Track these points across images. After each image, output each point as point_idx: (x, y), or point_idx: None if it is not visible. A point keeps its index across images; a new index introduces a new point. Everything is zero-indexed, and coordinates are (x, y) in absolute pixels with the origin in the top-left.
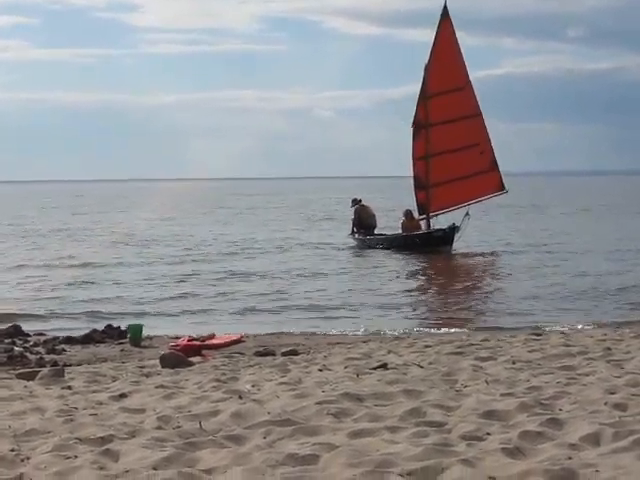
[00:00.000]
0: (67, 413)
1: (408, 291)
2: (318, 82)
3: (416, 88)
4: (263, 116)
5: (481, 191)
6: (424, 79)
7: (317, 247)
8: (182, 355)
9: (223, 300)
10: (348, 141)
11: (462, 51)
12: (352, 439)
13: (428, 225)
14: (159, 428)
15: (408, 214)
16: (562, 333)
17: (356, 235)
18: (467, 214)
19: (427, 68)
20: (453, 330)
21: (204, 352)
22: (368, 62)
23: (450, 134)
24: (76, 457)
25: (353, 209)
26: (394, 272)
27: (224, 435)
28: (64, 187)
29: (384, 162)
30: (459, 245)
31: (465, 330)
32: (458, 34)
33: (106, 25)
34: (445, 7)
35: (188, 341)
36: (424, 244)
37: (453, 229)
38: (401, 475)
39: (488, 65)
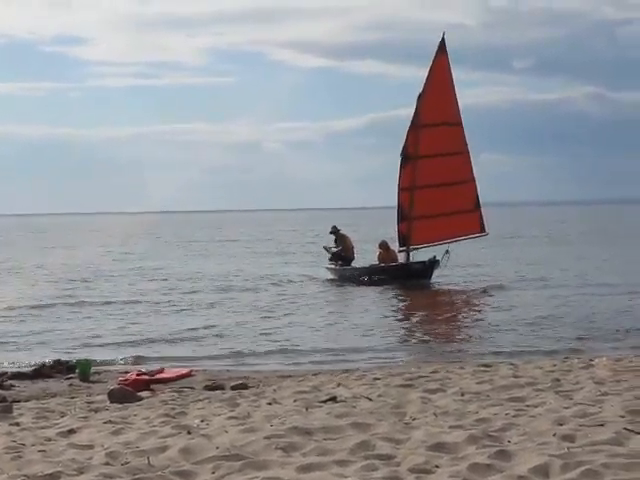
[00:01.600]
0: (15, 450)
1: (378, 323)
2: (267, 114)
3: (361, 121)
4: (213, 149)
5: (462, 230)
6: (417, 108)
7: (297, 280)
8: (131, 390)
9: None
10: (298, 173)
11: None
12: (301, 473)
13: (407, 257)
14: (107, 464)
15: (384, 245)
16: (511, 364)
17: (334, 265)
18: (447, 252)
19: (420, 98)
20: (401, 362)
21: (153, 387)
22: (316, 94)
23: (438, 168)
24: None
25: (333, 237)
26: (366, 304)
27: (172, 471)
28: (11, 221)
29: (334, 194)
30: (437, 279)
31: (414, 362)
32: (404, 67)
33: (53, 59)
34: (443, 40)
35: (137, 375)
36: (403, 276)
37: (433, 263)
38: None
39: None
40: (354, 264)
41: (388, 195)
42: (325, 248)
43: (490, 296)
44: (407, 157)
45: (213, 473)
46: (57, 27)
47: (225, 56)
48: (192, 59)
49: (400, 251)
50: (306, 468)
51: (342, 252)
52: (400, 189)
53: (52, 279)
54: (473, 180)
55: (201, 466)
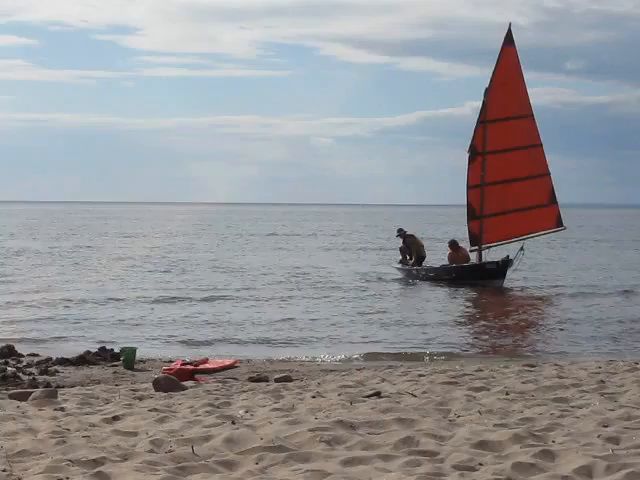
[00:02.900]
0: (59, 435)
1: (446, 322)
2: (317, 109)
3: (411, 118)
4: (261, 142)
5: (538, 225)
6: (484, 103)
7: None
8: (175, 379)
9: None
10: (346, 169)
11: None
12: (345, 467)
13: (480, 257)
14: (151, 452)
15: (453, 244)
16: (556, 365)
17: (405, 265)
18: (522, 248)
19: (487, 92)
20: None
21: (197, 376)
22: (366, 90)
23: (508, 163)
24: (68, 479)
25: (401, 239)
26: (435, 303)
27: (216, 460)
28: (59, 208)
29: (382, 191)
30: (512, 279)
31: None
32: (457, 66)
33: (105, 47)
34: (509, 31)
35: (181, 365)
36: (475, 276)
37: (506, 262)
38: None
39: (479, 96)
40: (425, 263)
41: (436, 193)
42: (401, 263)
43: (556, 300)
44: (475, 153)
45: (257, 464)
46: (110, 16)
47: (276, 49)
48: (243, 51)
49: (472, 250)
50: (350, 462)
51: (407, 251)
52: (469, 187)
53: (143, 269)
54: (548, 174)
55: (245, 456)
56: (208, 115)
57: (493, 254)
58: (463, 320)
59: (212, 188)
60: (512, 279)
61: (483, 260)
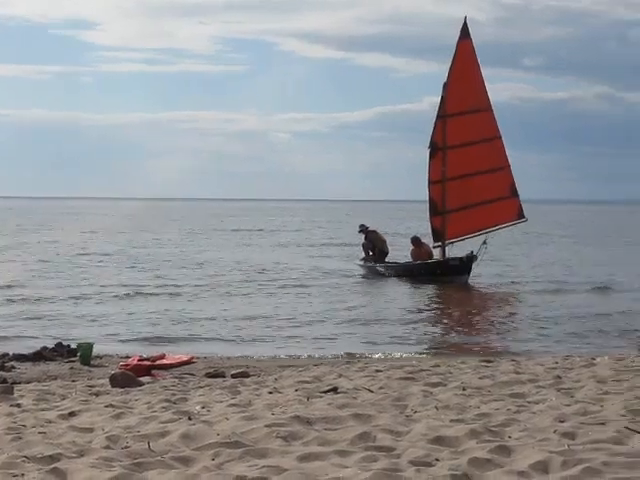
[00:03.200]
0: (15, 431)
1: (406, 319)
2: (275, 104)
3: (368, 114)
4: (220, 137)
5: (500, 218)
6: (442, 98)
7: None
8: (132, 375)
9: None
10: (304, 164)
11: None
12: (301, 462)
13: (443, 253)
14: (107, 448)
15: (416, 241)
16: (513, 360)
17: (367, 261)
18: (484, 242)
19: (446, 87)
20: (404, 355)
21: (154, 372)
22: (324, 85)
23: (469, 157)
24: (23, 475)
25: (363, 235)
26: (398, 300)
27: (172, 456)
28: (14, 204)
29: (339, 186)
30: (475, 275)
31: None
32: (414, 61)
33: (63, 42)
34: (465, 25)
35: (138, 361)
36: (439, 272)
37: (471, 258)
38: None
39: (436, 92)
40: (388, 259)
41: (394, 189)
42: (364, 259)
43: (514, 295)
44: (435, 149)
45: (213, 460)
46: (68, 11)
47: (235, 45)
48: (202, 47)
49: (435, 246)
50: (306, 457)
51: (370, 247)
52: (430, 182)
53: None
54: (508, 166)
55: (201, 452)
56: (167, 110)
57: (456, 250)
58: (423, 316)
59: (171, 183)
60: (475, 275)
61: (446, 256)
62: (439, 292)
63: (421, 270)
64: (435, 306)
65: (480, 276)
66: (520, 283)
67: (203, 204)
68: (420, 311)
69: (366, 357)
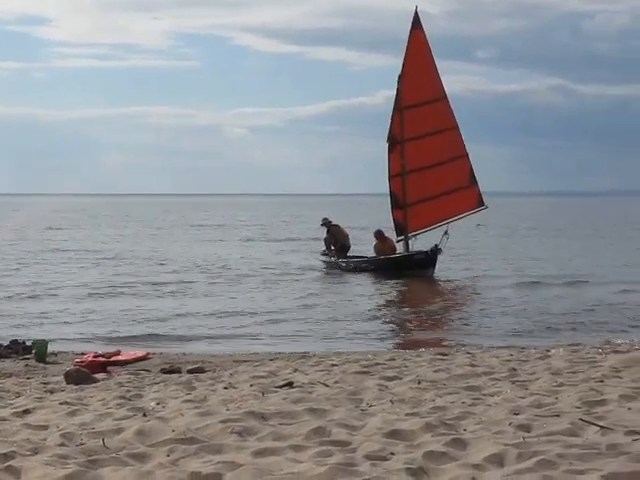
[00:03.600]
0: None
1: (365, 313)
2: (229, 99)
3: (323, 107)
4: (173, 132)
5: (461, 208)
6: (398, 90)
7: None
8: (87, 371)
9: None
10: (258, 158)
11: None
12: (256, 458)
13: (407, 246)
14: (62, 445)
15: (380, 235)
16: (468, 353)
17: (328, 257)
18: (446, 233)
19: (401, 79)
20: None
21: (109, 369)
22: (278, 80)
23: (427, 149)
24: None
25: (324, 228)
26: (359, 295)
27: (127, 453)
28: None
29: (294, 180)
30: (438, 269)
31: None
32: (368, 55)
33: (16, 38)
34: (416, 15)
35: (93, 357)
36: (404, 267)
37: (435, 251)
38: None
39: (391, 85)
40: (351, 253)
41: (351, 182)
42: (325, 253)
43: (478, 289)
44: (394, 142)
45: (168, 456)
46: (21, 6)
47: (189, 39)
48: (155, 42)
49: (398, 240)
50: (261, 453)
51: (331, 241)
52: (391, 176)
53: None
54: (466, 155)
55: (156, 449)
56: (121, 106)
57: (419, 243)
58: (384, 311)
59: (125, 179)
60: (441, 269)
61: (410, 249)
62: (403, 287)
63: (386, 264)
64: (397, 301)
65: (445, 270)
66: (484, 277)
67: (158, 199)
68: (381, 306)
69: (322, 351)
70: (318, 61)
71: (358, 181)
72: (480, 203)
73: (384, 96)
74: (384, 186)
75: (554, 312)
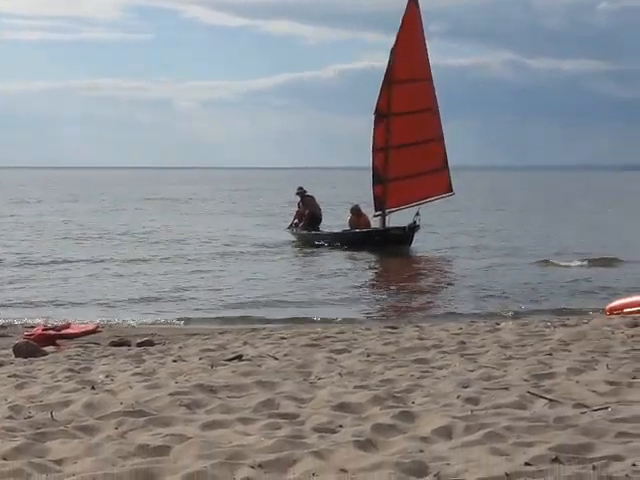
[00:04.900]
0: None
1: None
2: (180, 72)
3: (275, 81)
4: (125, 106)
5: (433, 191)
6: (390, 63)
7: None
8: (36, 344)
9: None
10: (210, 132)
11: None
12: (204, 430)
13: (383, 222)
14: (10, 418)
15: (355, 210)
16: (417, 327)
17: (297, 229)
18: (417, 213)
19: (393, 52)
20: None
21: (59, 342)
22: (230, 53)
23: (411, 126)
24: None
25: (300, 198)
26: (325, 268)
27: (75, 426)
28: None
29: (247, 154)
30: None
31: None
32: (322, 29)
33: None
34: None
35: (43, 330)
36: (381, 242)
37: (413, 228)
38: (252, 467)
39: (349, 59)
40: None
41: (304, 155)
42: (291, 226)
43: (447, 265)
44: (381, 115)
45: (116, 428)
46: None
47: (140, 12)
48: (107, 15)
49: (375, 216)
50: (209, 425)
51: (304, 212)
52: (375, 150)
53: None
54: (442, 138)
55: (104, 421)
56: (72, 78)
57: (394, 219)
58: (341, 284)
59: (79, 152)
60: (416, 246)
61: (386, 225)
62: (373, 262)
63: (360, 239)
64: (363, 275)
65: (421, 247)
66: (458, 253)
67: (109, 172)
68: (339, 277)
69: (271, 324)
70: (270, 34)
71: (311, 155)
72: (449, 189)
73: (337, 70)
74: (338, 160)
75: (508, 285)
